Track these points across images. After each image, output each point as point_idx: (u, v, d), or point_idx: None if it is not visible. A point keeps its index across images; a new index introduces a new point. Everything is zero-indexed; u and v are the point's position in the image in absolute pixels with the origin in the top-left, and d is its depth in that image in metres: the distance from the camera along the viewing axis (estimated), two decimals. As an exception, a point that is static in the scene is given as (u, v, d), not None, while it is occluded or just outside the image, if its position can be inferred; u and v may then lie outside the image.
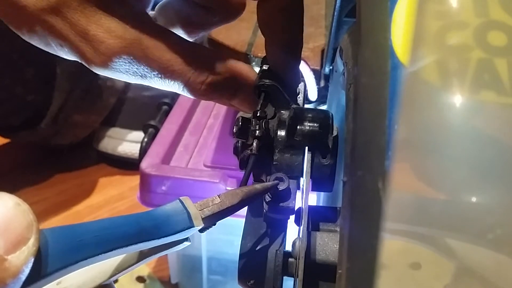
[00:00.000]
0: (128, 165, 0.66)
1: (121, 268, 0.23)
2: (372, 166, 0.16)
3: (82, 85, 0.64)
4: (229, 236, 0.48)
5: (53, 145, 0.70)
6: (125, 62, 0.27)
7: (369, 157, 0.17)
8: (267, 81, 0.29)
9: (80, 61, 0.27)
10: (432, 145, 0.16)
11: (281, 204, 0.26)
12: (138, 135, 0.66)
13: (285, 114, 0.29)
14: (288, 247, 0.28)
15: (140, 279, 0.47)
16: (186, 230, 0.23)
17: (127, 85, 0.67)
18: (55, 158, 0.71)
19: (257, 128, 0.27)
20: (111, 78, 0.64)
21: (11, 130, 0.67)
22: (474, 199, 0.14)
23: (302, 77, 0.35)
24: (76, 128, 0.68)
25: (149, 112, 0.66)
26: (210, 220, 0.24)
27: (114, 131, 0.69)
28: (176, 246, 0.24)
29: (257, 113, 0.27)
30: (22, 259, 0.15)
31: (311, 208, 0.28)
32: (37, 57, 0.61)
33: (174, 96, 0.56)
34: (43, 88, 0.63)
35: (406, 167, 0.16)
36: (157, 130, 0.50)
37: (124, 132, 0.68)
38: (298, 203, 0.27)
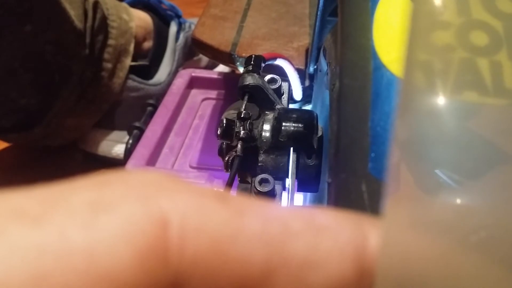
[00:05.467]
0: (115, 166, 0.65)
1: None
2: (355, 168, 0.16)
3: (78, 91, 0.63)
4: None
5: (41, 146, 0.68)
6: None
7: (352, 160, 0.16)
8: (251, 82, 0.28)
9: None
10: (415, 148, 0.16)
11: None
12: (125, 135, 0.66)
13: (269, 114, 0.28)
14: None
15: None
16: None
17: (122, 91, 0.66)
18: (40, 162, 0.70)
19: (241, 130, 0.26)
20: (108, 86, 0.64)
21: (1, 131, 0.65)
22: (457, 201, 0.14)
23: (287, 77, 0.35)
24: (67, 131, 0.67)
25: (137, 113, 0.66)
26: None
27: (101, 132, 0.68)
28: None
29: (241, 114, 0.27)
30: None
31: (297, 209, 0.28)
32: (37, 64, 0.60)
33: (159, 97, 0.55)
34: (39, 94, 0.62)
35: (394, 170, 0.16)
36: (142, 131, 0.49)
37: (111, 133, 0.68)
38: (284, 204, 0.27)
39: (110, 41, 0.64)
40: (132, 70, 0.67)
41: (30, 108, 0.63)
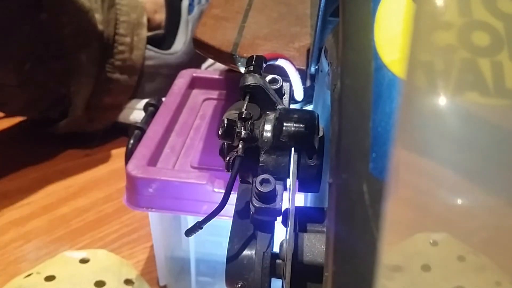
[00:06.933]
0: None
1: None
2: (356, 169, 0.16)
3: (106, 68, 0.68)
4: (217, 238, 0.48)
5: (89, 132, 0.72)
6: None
7: (353, 160, 0.17)
8: (253, 82, 0.28)
9: None
10: (419, 148, 0.16)
11: (267, 205, 0.26)
12: (143, 103, 0.71)
13: (271, 115, 0.28)
14: (276, 248, 0.27)
15: (128, 281, 0.46)
16: None
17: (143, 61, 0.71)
18: (40, 161, 0.70)
19: (242, 130, 0.26)
20: (131, 59, 0.69)
21: (51, 123, 0.70)
22: (459, 202, 0.14)
23: (288, 77, 0.35)
24: (107, 111, 0.71)
25: (156, 81, 0.73)
26: None
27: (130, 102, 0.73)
28: None
29: (242, 115, 0.27)
30: None
31: (298, 209, 0.28)
32: (61, 49, 0.65)
33: (160, 97, 0.56)
34: (72, 79, 0.67)
35: (395, 170, 0.16)
36: (143, 131, 0.49)
37: (130, 101, 0.73)
38: (285, 204, 0.27)
39: (123, 18, 0.68)
40: (150, 41, 0.72)
41: (71, 95, 0.67)
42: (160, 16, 0.75)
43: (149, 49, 0.72)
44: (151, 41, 0.72)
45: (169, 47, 0.74)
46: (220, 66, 0.64)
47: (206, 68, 0.77)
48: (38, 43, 0.63)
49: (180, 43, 0.75)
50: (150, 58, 0.72)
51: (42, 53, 0.64)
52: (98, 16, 0.65)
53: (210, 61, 0.76)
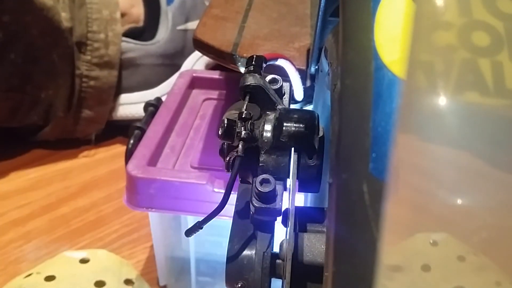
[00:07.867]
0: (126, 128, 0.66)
1: None
2: (356, 169, 0.16)
3: (83, 66, 0.67)
4: (217, 238, 0.48)
5: (81, 137, 0.71)
6: None
7: (353, 160, 0.17)
8: (253, 82, 0.28)
9: None
10: (419, 149, 0.16)
11: (267, 205, 0.26)
12: (133, 97, 0.71)
13: (271, 115, 0.28)
14: (276, 248, 0.27)
15: (128, 281, 0.46)
16: None
17: (122, 54, 0.71)
18: (40, 161, 0.70)
19: (242, 130, 0.26)
20: (108, 55, 0.68)
21: (40, 130, 0.69)
22: (459, 202, 0.14)
23: (288, 77, 0.35)
24: (93, 111, 0.70)
25: (141, 73, 0.72)
26: None
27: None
28: None
29: (242, 115, 0.27)
30: None
31: (298, 209, 0.28)
32: (32, 51, 0.63)
33: (160, 98, 0.56)
34: (49, 81, 0.66)
35: (396, 173, 0.16)
36: (143, 131, 0.49)
37: (119, 97, 0.72)
38: (285, 204, 0.27)
39: (95, 15, 0.67)
40: (130, 35, 0.71)
41: (50, 98, 0.66)
42: (137, 10, 0.74)
43: (128, 42, 0.71)
44: (130, 34, 0.71)
45: (151, 39, 0.74)
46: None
47: (198, 60, 0.76)
48: (7, 47, 0.62)
49: (162, 33, 0.74)
50: (130, 50, 0.71)
51: (13, 56, 0.63)
52: (65, 15, 0.64)
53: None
